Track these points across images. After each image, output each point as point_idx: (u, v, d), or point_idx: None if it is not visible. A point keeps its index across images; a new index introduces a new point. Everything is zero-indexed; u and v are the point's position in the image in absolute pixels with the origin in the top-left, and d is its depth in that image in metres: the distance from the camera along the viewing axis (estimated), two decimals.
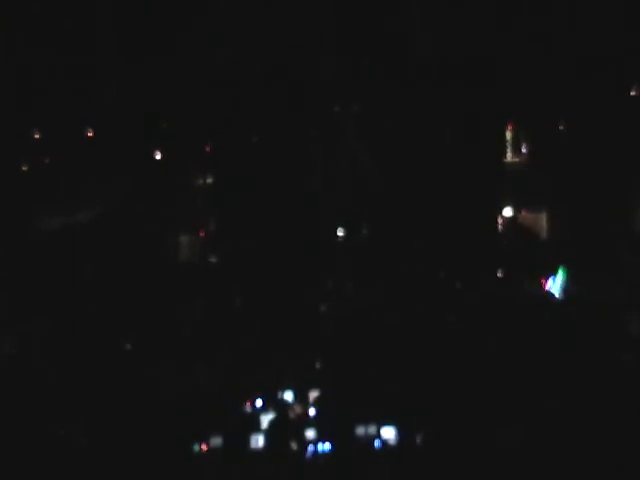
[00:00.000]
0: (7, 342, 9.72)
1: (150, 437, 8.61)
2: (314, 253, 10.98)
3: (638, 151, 10.81)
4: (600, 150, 10.88)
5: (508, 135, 11.52)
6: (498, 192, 11.38)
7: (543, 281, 10.70)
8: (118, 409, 8.87)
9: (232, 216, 11.19)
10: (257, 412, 8.97)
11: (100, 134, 11.23)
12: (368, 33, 11.10)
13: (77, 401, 8.98)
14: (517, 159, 11.54)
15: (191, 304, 10.41)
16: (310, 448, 8.75)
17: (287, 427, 8.89)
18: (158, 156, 11.41)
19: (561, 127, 11.33)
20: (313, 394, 9.09)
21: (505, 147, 11.51)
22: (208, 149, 11.42)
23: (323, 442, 8.74)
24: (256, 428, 8.82)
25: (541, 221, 11.38)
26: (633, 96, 11.19)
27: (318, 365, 9.61)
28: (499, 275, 11.00)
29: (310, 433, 8.81)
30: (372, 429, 8.82)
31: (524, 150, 11.53)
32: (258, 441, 8.73)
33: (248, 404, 9.02)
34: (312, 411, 9.02)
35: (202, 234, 11.31)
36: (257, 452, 8.72)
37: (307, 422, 8.93)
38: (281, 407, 9.01)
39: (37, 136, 11.16)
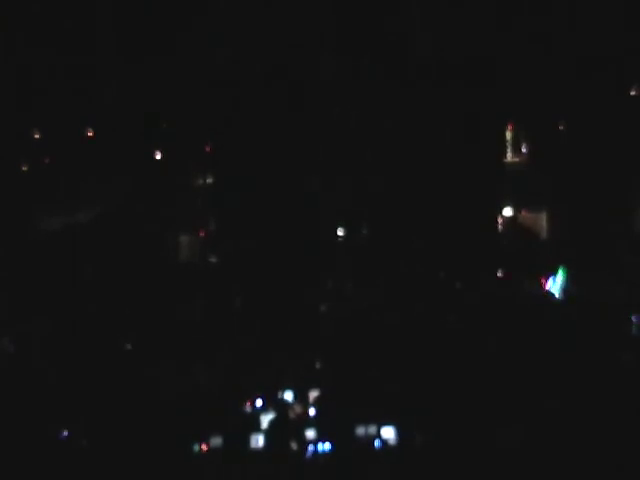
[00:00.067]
0: (7, 342, 9.72)
1: (150, 437, 8.61)
2: (314, 253, 10.98)
3: (638, 151, 10.81)
4: (600, 150, 10.88)
5: (508, 135, 11.53)
6: (498, 192, 11.38)
7: (543, 281, 10.70)
8: (118, 409, 8.87)
9: (232, 216, 11.19)
10: (257, 412, 8.97)
11: (100, 134, 11.23)
12: (368, 33, 11.10)
13: (77, 401, 8.98)
14: (517, 159, 11.55)
15: (191, 304, 10.41)
16: (310, 448, 8.75)
17: (287, 427, 8.89)
18: (158, 156, 11.41)
19: (561, 127, 11.34)
20: (313, 394, 9.08)
21: (505, 147, 11.51)
22: (208, 149, 11.43)
23: (323, 442, 8.74)
24: (256, 428, 8.82)
25: (541, 221, 11.39)
26: (633, 96, 11.19)
27: (318, 365, 9.61)
28: (499, 275, 11.00)
29: (310, 433, 8.81)
30: (372, 429, 8.82)
31: (524, 150, 11.53)
32: (258, 441, 8.73)
33: (248, 404, 9.02)
34: (312, 411, 9.02)
35: (202, 234, 11.31)
36: (257, 452, 8.72)
37: (307, 422, 8.93)
38: (281, 407, 9.01)
39: (37, 136, 11.16)
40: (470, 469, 8.40)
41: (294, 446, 8.78)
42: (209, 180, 11.42)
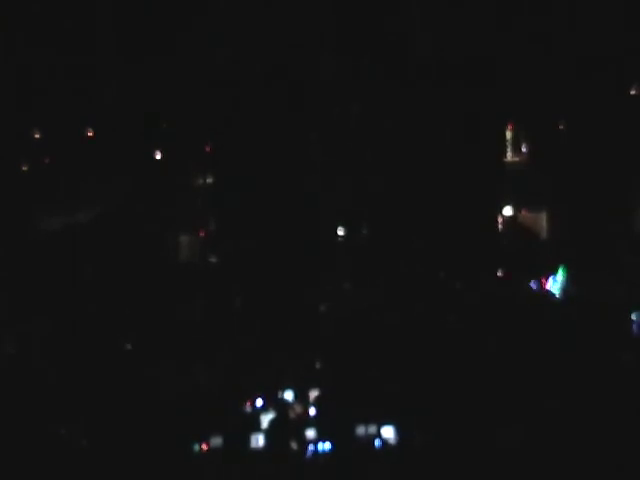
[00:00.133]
0: (7, 342, 9.72)
1: (150, 437, 8.61)
2: (314, 253, 10.98)
3: (638, 151, 10.81)
4: (600, 150, 10.88)
5: (508, 135, 11.53)
6: (498, 192, 11.38)
7: (543, 281, 10.70)
8: (118, 409, 8.87)
9: (232, 216, 11.19)
10: (257, 412, 8.97)
11: (100, 134, 11.23)
12: (368, 33, 11.10)
13: (77, 401, 8.97)
14: (517, 159, 11.55)
15: (191, 304, 10.41)
16: (310, 448, 8.75)
17: (287, 427, 8.89)
18: (158, 156, 11.41)
19: (561, 127, 11.34)
20: (313, 394, 9.08)
21: (505, 147, 11.51)
22: (208, 149, 11.43)
23: (323, 442, 8.74)
24: (256, 428, 8.82)
25: (541, 221, 11.39)
26: (633, 96, 11.19)
27: (318, 365, 9.60)
28: (499, 275, 11.00)
29: (310, 433, 8.81)
30: (372, 429, 8.82)
31: (524, 150, 11.53)
32: (258, 441, 8.73)
33: (248, 404, 9.01)
34: (312, 411, 9.02)
35: (202, 234, 11.31)
36: (257, 452, 8.72)
37: (307, 422, 8.92)
38: (281, 407, 9.01)
39: (37, 136, 11.16)
40: (470, 469, 8.40)
41: (294, 446, 8.78)
42: (209, 180, 11.42)
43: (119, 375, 9.28)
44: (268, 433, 8.79)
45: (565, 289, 10.56)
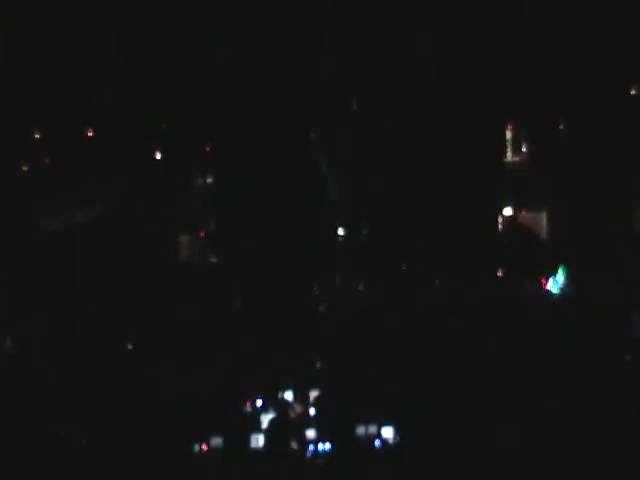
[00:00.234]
0: (7, 342, 9.72)
1: (150, 437, 8.61)
2: (314, 253, 10.98)
3: (638, 151, 10.81)
4: (600, 150, 10.89)
5: (508, 135, 11.53)
6: (498, 192, 11.39)
7: (543, 281, 10.70)
8: (118, 409, 8.87)
9: (232, 216, 11.19)
10: (257, 412, 8.96)
11: (100, 134, 11.23)
12: (368, 33, 11.10)
13: (77, 401, 8.97)
14: (517, 159, 11.55)
15: (191, 304, 10.41)
16: (310, 448, 8.75)
17: (287, 427, 8.89)
18: (158, 156, 11.41)
19: (561, 127, 11.34)
20: (313, 394, 9.08)
21: (505, 147, 11.52)
22: (208, 149, 11.43)
23: (323, 442, 8.74)
24: (256, 428, 8.81)
25: (541, 221, 11.39)
26: (633, 96, 11.19)
27: (318, 365, 9.61)
28: (499, 275, 11.00)
29: (310, 433, 8.81)
30: (372, 429, 8.81)
31: (524, 150, 11.54)
32: (258, 441, 8.72)
33: (248, 404, 9.01)
34: (312, 411, 9.02)
35: (202, 234, 11.32)
36: (257, 452, 8.72)
37: (307, 422, 8.92)
38: (281, 407, 9.00)
39: (37, 136, 11.17)
40: (470, 469, 8.40)
41: (294, 446, 8.77)
42: (209, 180, 11.42)
43: (119, 375, 9.28)
44: (268, 433, 8.78)
45: (565, 289, 10.57)
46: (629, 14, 10.74)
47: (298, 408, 9.04)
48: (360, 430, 8.83)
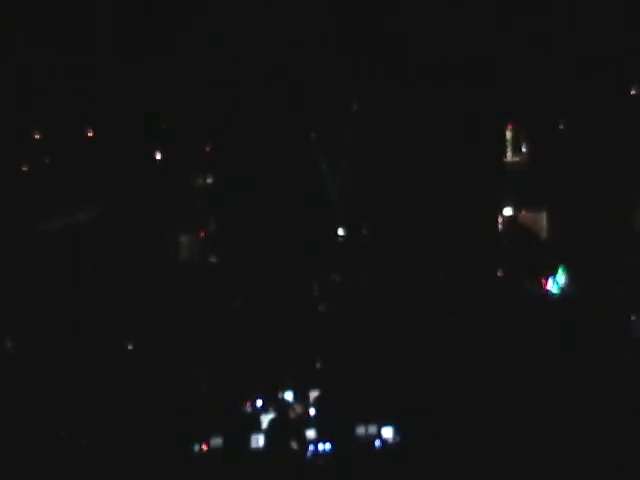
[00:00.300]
0: (7, 342, 9.72)
1: (150, 437, 8.61)
2: (314, 253, 10.98)
3: (638, 151, 10.81)
4: (600, 150, 10.88)
5: (508, 135, 11.53)
6: (498, 192, 11.39)
7: (543, 281, 10.70)
8: (118, 409, 8.87)
9: (232, 216, 11.19)
10: (257, 412, 8.96)
11: (100, 134, 11.23)
12: (368, 33, 11.10)
13: (77, 401, 8.97)
14: (517, 159, 11.55)
15: (191, 304, 10.41)
16: (310, 448, 8.75)
17: (287, 427, 8.89)
18: (158, 156, 11.41)
19: (561, 127, 11.34)
20: (313, 394, 9.08)
21: (505, 147, 11.52)
22: (208, 149, 11.43)
23: (323, 442, 8.74)
24: (256, 428, 8.81)
25: (541, 221, 11.39)
26: (633, 96, 11.19)
27: (318, 365, 9.60)
28: (499, 275, 11.00)
29: (310, 433, 8.81)
30: (372, 429, 8.81)
31: (524, 150, 11.54)
32: (258, 441, 8.72)
33: (248, 404, 9.01)
34: (312, 411, 9.02)
35: (202, 234, 11.32)
36: (257, 452, 8.72)
37: (307, 422, 8.92)
38: (281, 407, 9.00)
39: (37, 136, 11.17)
40: (470, 469, 8.40)
41: (294, 446, 8.77)
42: (209, 180, 11.42)
43: (119, 375, 9.28)
44: (268, 433, 8.78)
45: (565, 289, 10.57)
46: (629, 14, 10.74)
47: (298, 408, 9.04)
48: (360, 430, 8.83)
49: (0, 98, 10.69)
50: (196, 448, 8.68)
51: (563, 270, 10.60)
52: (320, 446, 8.74)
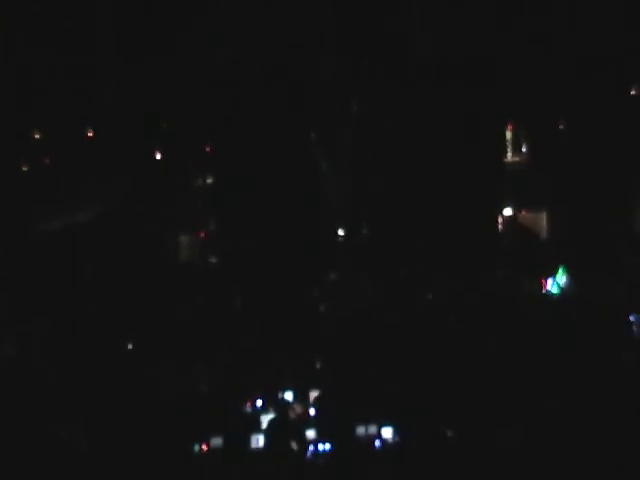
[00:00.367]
0: (7, 342, 9.73)
1: (150, 437, 8.60)
2: (314, 253, 10.98)
3: (638, 151, 10.82)
4: (600, 150, 10.89)
5: (508, 135, 11.54)
6: (498, 192, 11.39)
7: (543, 281, 10.70)
8: (118, 409, 8.86)
9: (232, 216, 11.19)
10: (257, 412, 8.95)
11: (100, 134, 11.24)
12: (368, 33, 11.10)
13: (77, 401, 8.97)
14: (517, 159, 11.56)
15: (191, 304, 10.41)
16: (310, 448, 8.74)
17: (287, 427, 8.88)
18: (158, 156, 11.42)
19: (561, 127, 11.35)
20: (313, 394, 9.07)
21: (505, 147, 11.52)
22: (208, 149, 11.44)
23: (323, 442, 8.72)
24: (256, 428, 8.80)
25: (541, 221, 11.40)
26: (633, 96, 11.20)
27: (318, 365, 9.60)
28: (499, 275, 11.00)
29: (310, 433, 8.79)
30: (372, 429, 8.80)
31: (524, 150, 11.55)
32: (258, 441, 8.71)
33: (248, 404, 9.00)
34: (312, 411, 9.01)
35: (202, 234, 11.32)
36: (257, 452, 8.70)
37: (307, 422, 8.91)
38: (281, 407, 8.99)
39: (37, 136, 11.17)
40: (470, 469, 8.39)
41: (294, 446, 8.76)
42: (209, 180, 11.43)
43: (119, 375, 9.28)
44: (268, 433, 8.77)
45: (565, 289, 10.57)
46: (629, 14, 10.74)
47: (298, 408, 9.03)
48: (360, 430, 8.82)
49: (0, 98, 10.69)
50: (196, 448, 8.67)
51: (563, 270, 10.59)
52: (320, 446, 8.73)
